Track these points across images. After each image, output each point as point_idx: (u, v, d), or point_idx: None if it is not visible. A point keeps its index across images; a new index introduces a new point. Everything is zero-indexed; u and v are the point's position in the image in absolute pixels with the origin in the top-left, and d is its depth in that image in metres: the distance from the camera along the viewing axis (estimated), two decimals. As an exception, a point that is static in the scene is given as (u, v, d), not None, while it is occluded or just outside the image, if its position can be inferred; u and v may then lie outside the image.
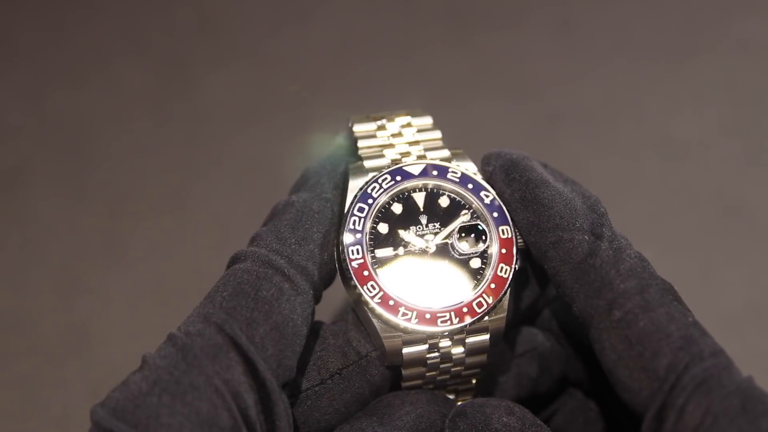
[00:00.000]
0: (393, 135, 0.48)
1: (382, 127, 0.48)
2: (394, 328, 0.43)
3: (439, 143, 0.48)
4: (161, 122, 0.86)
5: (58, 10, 0.93)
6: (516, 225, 0.45)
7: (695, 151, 0.83)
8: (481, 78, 0.89)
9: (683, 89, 0.87)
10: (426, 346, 0.44)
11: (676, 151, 0.84)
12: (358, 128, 0.48)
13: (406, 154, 0.47)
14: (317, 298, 0.44)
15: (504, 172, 0.46)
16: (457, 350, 0.44)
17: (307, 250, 0.43)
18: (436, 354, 0.44)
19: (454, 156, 0.47)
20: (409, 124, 0.48)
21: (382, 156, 0.46)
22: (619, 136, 0.85)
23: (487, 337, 0.44)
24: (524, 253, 0.46)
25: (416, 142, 0.47)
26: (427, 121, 0.49)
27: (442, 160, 0.46)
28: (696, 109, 0.86)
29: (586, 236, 0.43)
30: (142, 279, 0.76)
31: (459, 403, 0.44)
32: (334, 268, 0.45)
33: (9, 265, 0.77)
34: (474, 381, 0.47)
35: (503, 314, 0.45)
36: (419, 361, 0.44)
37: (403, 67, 0.89)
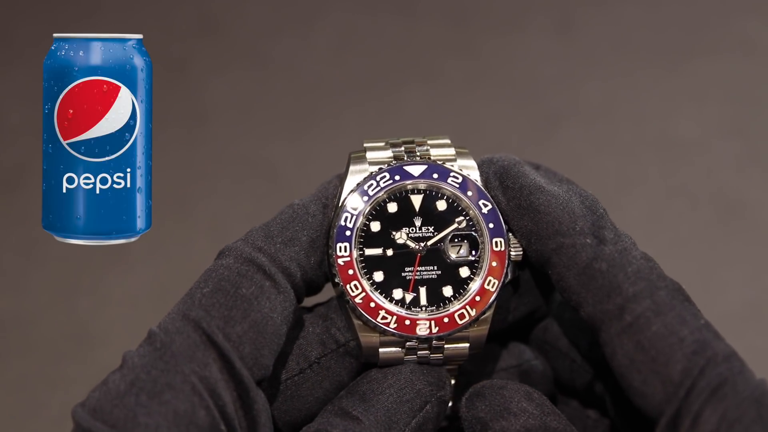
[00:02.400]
0: (404, 142, 0.47)
1: (395, 144, 0.47)
2: (372, 329, 0.43)
3: (447, 142, 0.47)
4: (160, 122, 0.86)
5: (59, 10, 0.93)
6: (515, 234, 0.45)
7: (695, 151, 0.83)
8: (481, 78, 0.89)
9: (683, 89, 0.87)
10: (403, 350, 0.44)
11: (676, 151, 0.84)
12: (368, 144, 0.47)
13: (411, 149, 0.46)
14: (299, 300, 0.44)
15: (498, 180, 0.45)
16: (435, 356, 0.44)
17: (292, 251, 0.43)
18: (414, 357, 0.44)
19: (459, 155, 0.46)
20: (424, 142, 0.47)
21: (386, 149, 0.46)
22: (619, 136, 0.85)
23: (466, 345, 0.44)
24: (518, 266, 0.45)
25: (422, 143, 0.47)
26: (445, 141, 0.47)
27: (444, 158, 0.46)
28: (696, 109, 0.86)
29: (588, 239, 0.42)
30: (142, 279, 0.76)
31: (476, 385, 0.44)
32: (321, 275, 0.44)
33: (9, 265, 0.77)
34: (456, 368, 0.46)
35: (486, 326, 0.44)
36: (395, 361, 0.44)
37: (403, 68, 0.89)
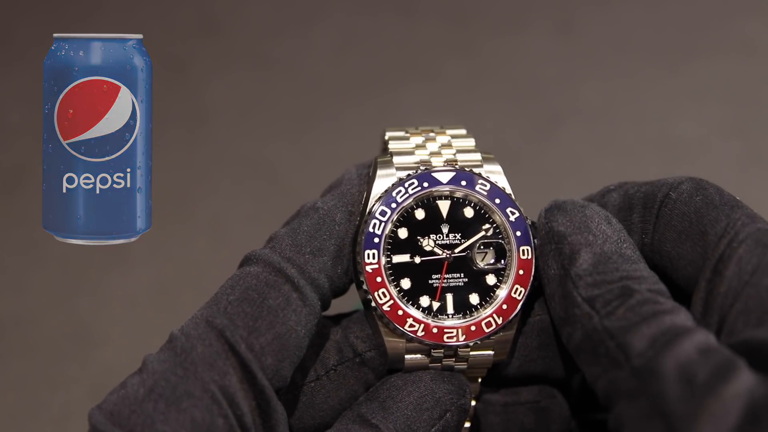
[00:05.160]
0: (426, 140, 0.47)
1: (415, 134, 0.47)
2: (400, 337, 0.43)
3: (472, 147, 0.47)
4: (161, 122, 0.86)
5: (59, 10, 0.93)
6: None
7: (695, 151, 0.83)
8: (482, 78, 0.89)
9: (683, 89, 0.87)
10: (428, 357, 0.43)
11: (676, 151, 0.84)
12: (390, 134, 0.47)
13: (437, 153, 0.46)
14: (325, 308, 0.44)
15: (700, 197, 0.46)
16: (459, 364, 0.44)
17: (321, 262, 0.42)
18: (438, 365, 0.44)
19: (485, 160, 0.46)
20: (443, 133, 0.47)
21: (412, 154, 0.46)
22: (619, 136, 0.85)
23: (491, 353, 0.44)
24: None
25: (449, 145, 0.47)
26: (461, 131, 0.48)
27: (472, 163, 0.46)
28: (696, 109, 0.86)
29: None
30: (143, 279, 0.76)
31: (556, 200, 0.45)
32: (346, 282, 0.44)
33: (9, 265, 0.77)
34: (479, 379, 0.46)
35: (511, 332, 0.44)
36: (421, 367, 0.44)
37: (404, 68, 0.89)
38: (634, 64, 0.89)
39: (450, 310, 0.43)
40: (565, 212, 0.43)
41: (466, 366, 0.44)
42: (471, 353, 0.44)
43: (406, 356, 0.43)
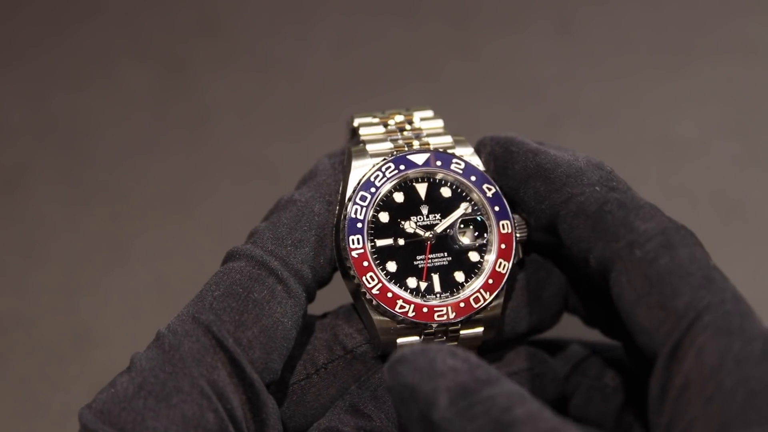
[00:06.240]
0: (396, 123, 0.48)
1: (384, 119, 0.48)
2: (391, 319, 0.43)
3: (441, 130, 0.48)
4: (161, 122, 0.86)
5: (59, 10, 0.93)
6: (524, 204, 0.45)
7: (695, 151, 0.83)
8: (481, 78, 0.89)
9: (683, 89, 0.87)
10: (420, 338, 0.44)
11: (676, 151, 0.84)
12: (359, 120, 0.48)
13: (409, 140, 0.47)
14: (310, 299, 0.44)
15: (502, 148, 0.46)
16: (451, 343, 0.44)
17: (303, 253, 0.43)
18: None
19: (457, 143, 0.47)
20: (411, 116, 0.48)
21: (385, 141, 0.46)
22: (619, 136, 0.85)
23: (480, 330, 0.45)
24: (524, 246, 0.46)
25: (419, 129, 0.47)
26: (429, 113, 0.49)
27: (444, 147, 0.46)
28: (696, 109, 0.86)
29: (597, 187, 0.42)
30: (143, 279, 0.76)
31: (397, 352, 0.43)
32: (329, 272, 0.45)
33: (9, 265, 0.77)
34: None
35: (498, 309, 0.45)
36: None
37: (404, 68, 0.89)
38: (634, 64, 0.89)
39: (437, 289, 0.44)
40: (406, 362, 0.39)
41: (457, 345, 0.44)
42: (462, 332, 0.44)
43: (398, 340, 0.44)
